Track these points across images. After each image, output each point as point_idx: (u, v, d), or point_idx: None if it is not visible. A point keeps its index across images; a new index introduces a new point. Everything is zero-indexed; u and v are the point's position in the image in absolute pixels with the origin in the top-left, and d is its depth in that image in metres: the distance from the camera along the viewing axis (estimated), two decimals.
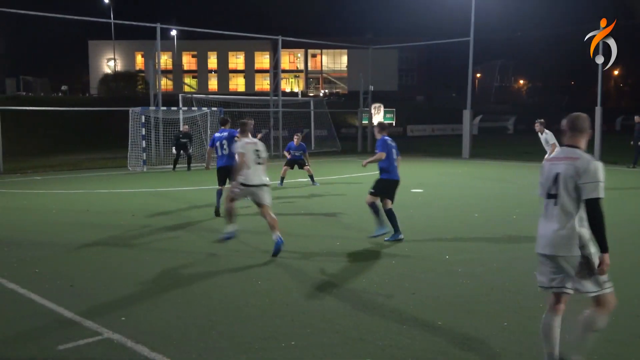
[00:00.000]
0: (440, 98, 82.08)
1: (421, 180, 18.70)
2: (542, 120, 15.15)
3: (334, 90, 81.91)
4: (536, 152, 25.64)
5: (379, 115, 39.48)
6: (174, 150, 22.81)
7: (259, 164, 8.93)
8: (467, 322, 5.75)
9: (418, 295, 6.58)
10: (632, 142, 22.77)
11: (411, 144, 41.69)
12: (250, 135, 9.31)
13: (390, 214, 9.46)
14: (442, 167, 23.77)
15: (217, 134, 12.50)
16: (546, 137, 15.15)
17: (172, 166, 23.02)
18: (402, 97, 76.09)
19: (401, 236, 9.46)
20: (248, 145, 8.94)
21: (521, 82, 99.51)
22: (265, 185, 8.94)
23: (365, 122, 36.84)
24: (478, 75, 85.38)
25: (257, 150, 8.98)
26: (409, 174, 20.50)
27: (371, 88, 36.31)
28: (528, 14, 78.80)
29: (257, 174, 8.89)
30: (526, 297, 6.51)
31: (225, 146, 11.99)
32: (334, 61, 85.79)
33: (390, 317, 5.88)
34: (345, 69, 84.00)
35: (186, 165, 23.02)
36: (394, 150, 9.49)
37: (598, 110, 25.71)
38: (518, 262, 8.07)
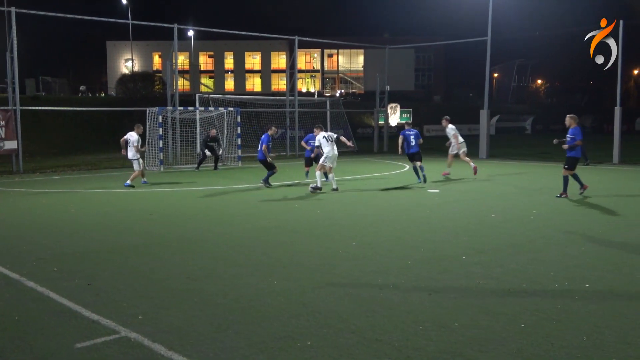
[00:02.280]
0: (458, 98, 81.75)
1: (438, 180, 18.61)
2: (449, 117, 19.42)
3: (350, 90, 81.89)
4: (554, 152, 25.45)
5: (395, 115, 39.38)
6: (207, 152, 23.24)
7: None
8: (484, 323, 5.71)
9: (435, 296, 6.54)
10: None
11: (428, 143, 41.52)
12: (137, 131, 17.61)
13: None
14: (459, 168, 23.64)
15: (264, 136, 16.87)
16: (448, 130, 18.72)
17: (195, 165, 23.60)
18: (419, 96, 75.91)
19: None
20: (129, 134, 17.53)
21: (539, 82, 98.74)
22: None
23: (381, 122, 36.80)
24: (496, 75, 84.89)
25: (127, 139, 17.48)
26: (425, 175, 20.41)
27: (388, 88, 36.22)
28: (546, 13, 78.18)
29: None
30: (544, 298, 6.46)
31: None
32: (350, 61, 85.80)
33: (407, 318, 5.86)
34: (362, 68, 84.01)
35: (213, 164, 23.66)
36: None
37: (617, 110, 25.44)
38: (536, 264, 8.00)
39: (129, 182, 17.30)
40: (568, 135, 14.25)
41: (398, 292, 6.71)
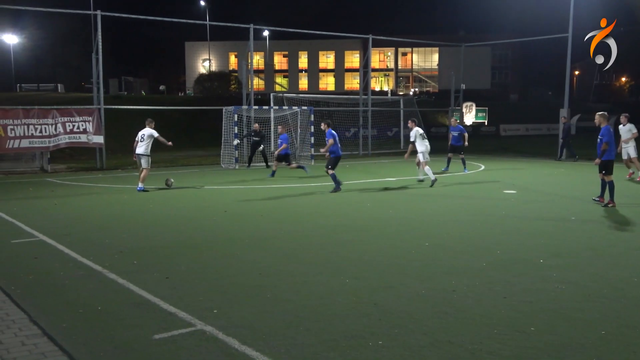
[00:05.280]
0: (536, 96, 79.41)
1: (514, 181, 18.16)
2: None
3: (425, 89, 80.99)
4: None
5: (471, 114, 38.68)
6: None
7: (142, 141, 15.75)
8: (561, 329, 5.54)
9: (510, 300, 6.39)
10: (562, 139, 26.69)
11: (504, 143, 40.57)
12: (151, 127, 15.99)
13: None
14: (537, 168, 22.98)
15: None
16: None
17: (247, 164, 23.92)
18: (495, 95, 74.27)
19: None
20: (140, 132, 15.91)
21: (623, 79, 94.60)
22: (143, 155, 15.72)
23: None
24: (576, 72, 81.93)
25: (142, 135, 15.81)
26: (501, 175, 19.99)
27: (463, 86, 35.63)
28: (631, 8, 74.75)
29: (140, 148, 15.73)
30: (625, 305, 6.20)
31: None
32: (425, 59, 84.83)
33: (480, 321, 5.75)
34: (436, 67, 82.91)
35: (263, 163, 23.74)
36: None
37: None
38: (617, 269, 7.68)
39: (141, 185, 15.67)
40: (599, 137, 12.87)
41: (471, 294, 6.60)
